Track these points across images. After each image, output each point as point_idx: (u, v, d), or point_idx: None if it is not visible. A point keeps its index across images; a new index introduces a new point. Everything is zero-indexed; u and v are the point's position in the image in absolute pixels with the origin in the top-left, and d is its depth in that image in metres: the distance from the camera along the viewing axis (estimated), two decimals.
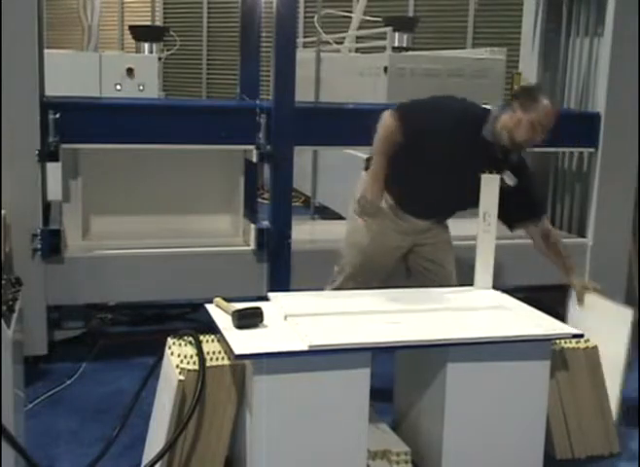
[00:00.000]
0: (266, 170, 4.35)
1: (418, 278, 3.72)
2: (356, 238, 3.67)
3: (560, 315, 3.22)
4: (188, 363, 2.80)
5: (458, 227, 3.78)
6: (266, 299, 3.29)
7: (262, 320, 2.90)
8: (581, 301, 3.52)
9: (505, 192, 3.38)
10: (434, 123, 3.34)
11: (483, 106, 3.52)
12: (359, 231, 3.63)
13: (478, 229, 3.42)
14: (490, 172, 3.38)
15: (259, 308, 2.91)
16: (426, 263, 3.72)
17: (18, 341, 2.98)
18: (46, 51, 4.11)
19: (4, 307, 2.72)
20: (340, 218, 5.39)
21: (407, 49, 7.66)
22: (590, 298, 3.50)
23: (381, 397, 3.23)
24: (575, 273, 3.60)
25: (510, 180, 3.43)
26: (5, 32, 3.67)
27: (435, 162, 3.41)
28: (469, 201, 3.48)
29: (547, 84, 5.35)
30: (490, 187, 3.37)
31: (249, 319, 2.88)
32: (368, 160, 3.63)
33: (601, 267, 4.80)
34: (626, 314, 3.35)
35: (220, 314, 3.00)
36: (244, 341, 2.72)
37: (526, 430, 3.02)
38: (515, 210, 3.49)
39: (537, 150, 5.10)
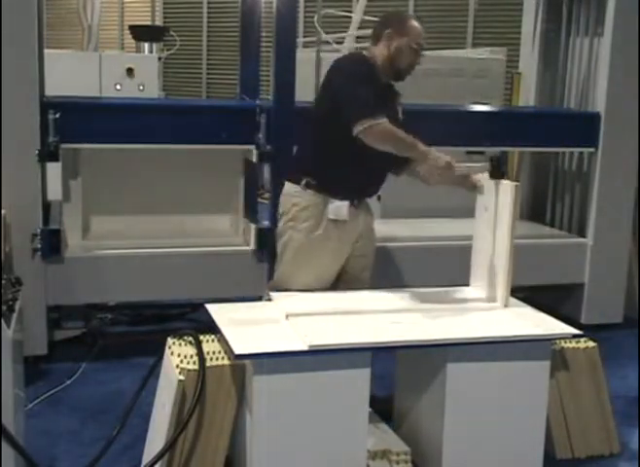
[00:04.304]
0: (267, 170, 4.35)
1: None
2: (310, 256, 3.34)
3: (560, 315, 3.21)
4: (188, 363, 2.80)
5: (458, 227, 3.77)
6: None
7: None
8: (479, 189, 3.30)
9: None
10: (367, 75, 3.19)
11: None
12: (315, 246, 3.33)
13: None
14: (395, 109, 3.30)
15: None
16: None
17: (18, 340, 2.98)
18: (46, 51, 4.11)
19: (4, 307, 2.72)
20: None
21: None
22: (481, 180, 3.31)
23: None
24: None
25: (401, 109, 3.39)
26: (5, 32, 3.67)
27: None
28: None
29: (547, 83, 5.35)
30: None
31: None
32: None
33: (601, 267, 4.80)
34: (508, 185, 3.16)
35: (220, 314, 2.99)
36: (244, 341, 2.72)
37: (526, 430, 3.02)
38: None
39: (537, 150, 5.14)
